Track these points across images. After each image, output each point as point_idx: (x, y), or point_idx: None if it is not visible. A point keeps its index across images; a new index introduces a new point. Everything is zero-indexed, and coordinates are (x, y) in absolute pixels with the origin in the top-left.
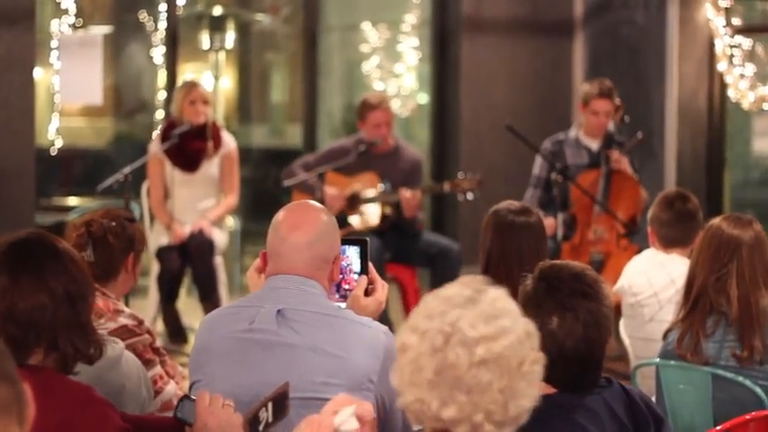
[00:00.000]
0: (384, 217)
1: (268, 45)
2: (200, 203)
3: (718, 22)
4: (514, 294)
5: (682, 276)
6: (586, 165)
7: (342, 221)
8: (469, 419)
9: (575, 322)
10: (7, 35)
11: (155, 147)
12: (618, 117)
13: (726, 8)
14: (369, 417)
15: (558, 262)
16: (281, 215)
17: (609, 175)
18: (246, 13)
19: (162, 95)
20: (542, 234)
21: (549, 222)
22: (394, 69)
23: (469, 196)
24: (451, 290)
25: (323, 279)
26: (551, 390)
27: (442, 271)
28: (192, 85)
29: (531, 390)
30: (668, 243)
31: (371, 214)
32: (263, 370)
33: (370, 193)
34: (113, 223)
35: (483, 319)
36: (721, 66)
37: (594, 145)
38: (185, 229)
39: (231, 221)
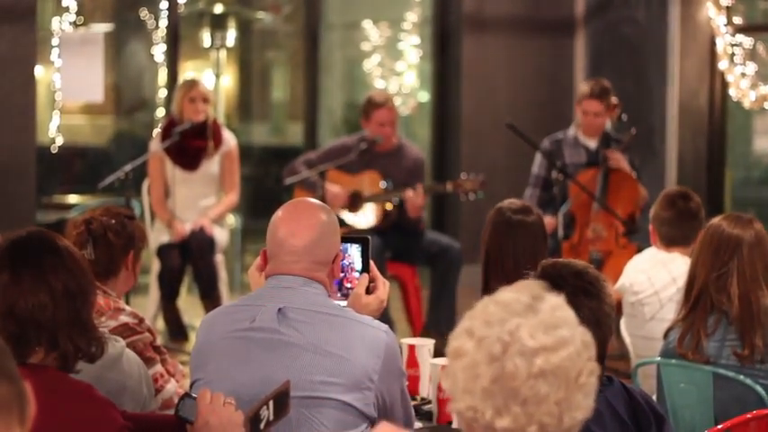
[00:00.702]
0: (386, 215)
1: (269, 43)
2: (200, 201)
3: (719, 20)
4: None
5: (683, 275)
6: (584, 164)
7: (341, 220)
8: (523, 430)
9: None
10: (8, 33)
11: (155, 145)
12: (615, 116)
13: (727, 7)
14: None
15: (559, 260)
16: (279, 216)
17: (607, 173)
18: (247, 12)
19: (163, 93)
20: (540, 233)
21: (549, 221)
22: (395, 67)
23: (471, 197)
24: (510, 295)
25: (324, 278)
26: None
27: (442, 269)
28: (191, 83)
29: (586, 401)
30: (670, 242)
31: (368, 215)
32: (263, 368)
33: (373, 191)
34: (113, 221)
35: (542, 329)
36: (722, 64)
37: (592, 144)
38: (186, 227)
39: (232, 219)
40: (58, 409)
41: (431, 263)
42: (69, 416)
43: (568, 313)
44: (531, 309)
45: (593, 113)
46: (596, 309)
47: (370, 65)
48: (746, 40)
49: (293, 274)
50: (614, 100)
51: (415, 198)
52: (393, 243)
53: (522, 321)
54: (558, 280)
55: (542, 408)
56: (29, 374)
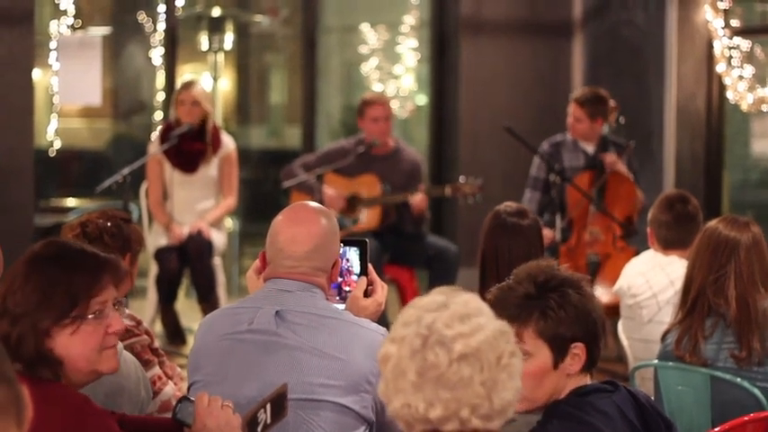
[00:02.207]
0: (384, 218)
1: (267, 46)
2: (198, 204)
3: (716, 23)
4: None
5: (681, 278)
6: (582, 167)
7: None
8: (456, 415)
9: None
10: (7, 36)
11: (154, 147)
12: (612, 119)
13: (724, 10)
14: None
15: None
16: (279, 222)
17: (604, 176)
18: (245, 15)
19: (160, 97)
20: (535, 237)
21: (547, 233)
22: (393, 71)
23: (470, 200)
24: (425, 299)
25: (322, 282)
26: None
27: (440, 272)
28: (183, 86)
29: (512, 382)
30: (668, 245)
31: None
32: (261, 371)
33: (371, 194)
34: (109, 224)
35: (458, 319)
36: (720, 67)
37: (590, 147)
38: (184, 230)
39: (230, 223)
40: (55, 420)
41: (429, 265)
42: (66, 428)
43: (482, 305)
44: (444, 305)
45: (573, 118)
46: (580, 302)
47: (368, 68)
48: (744, 43)
49: (292, 278)
50: (612, 103)
51: (422, 201)
52: (391, 246)
53: (438, 315)
54: (541, 276)
55: (469, 390)
56: (26, 383)
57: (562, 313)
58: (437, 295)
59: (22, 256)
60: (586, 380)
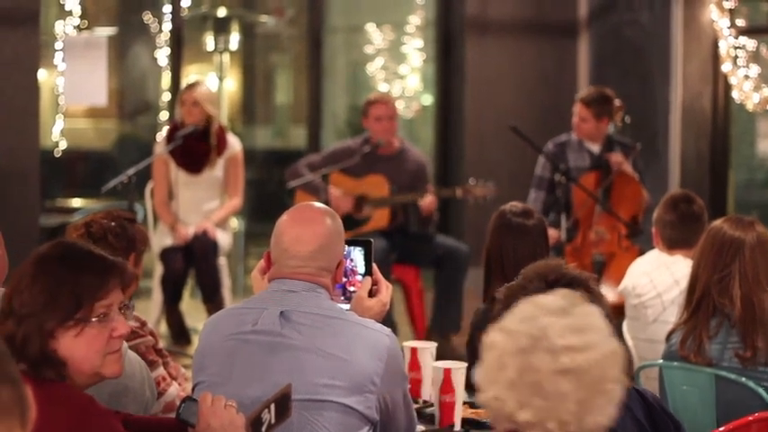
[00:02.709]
0: (392, 219)
1: (272, 47)
2: (204, 205)
3: (722, 23)
4: None
5: (685, 277)
6: (588, 167)
7: (351, 223)
8: (543, 425)
9: None
10: (12, 36)
11: (160, 148)
12: (618, 118)
13: (730, 9)
14: None
15: (551, 261)
16: (284, 222)
17: (610, 176)
18: (251, 15)
19: (166, 97)
20: (541, 237)
21: (552, 233)
22: (398, 71)
23: (481, 203)
24: (547, 299)
25: (327, 282)
26: None
27: (448, 272)
28: (187, 86)
29: (608, 408)
30: (672, 244)
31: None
32: (265, 371)
33: (377, 194)
34: (113, 224)
35: (572, 330)
36: (725, 67)
37: (596, 147)
38: (189, 231)
39: (235, 223)
40: (59, 421)
41: (437, 265)
42: (70, 428)
43: (601, 322)
44: (564, 311)
45: (579, 118)
46: (590, 301)
47: (374, 68)
48: (750, 43)
49: (297, 278)
50: (618, 103)
51: (431, 206)
52: (399, 246)
53: (554, 320)
54: (551, 275)
55: (563, 405)
56: (29, 382)
57: None
58: (561, 298)
59: (30, 257)
60: None
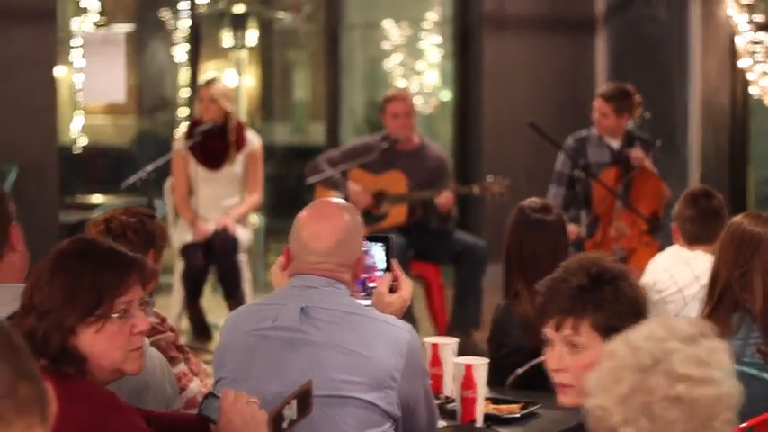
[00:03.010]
0: (410, 215)
1: (290, 43)
2: (224, 201)
3: (740, 18)
4: (531, 291)
5: (706, 273)
6: (608, 162)
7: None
8: None
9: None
10: (29, 33)
11: (179, 144)
12: (638, 114)
13: (748, 5)
14: None
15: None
16: (303, 217)
17: (630, 171)
18: (268, 11)
19: (184, 93)
20: (560, 233)
21: (572, 229)
22: (416, 67)
23: (497, 200)
24: (679, 322)
25: (347, 278)
26: None
27: (467, 268)
28: (205, 84)
29: None
30: (692, 240)
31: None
32: (286, 367)
33: (396, 190)
34: (133, 219)
35: (696, 362)
36: (744, 62)
37: (616, 143)
38: (209, 227)
39: (255, 219)
40: (80, 415)
41: (456, 261)
42: (91, 423)
43: (726, 359)
44: (693, 340)
45: (599, 113)
46: (633, 294)
47: (391, 64)
48: (767, 38)
49: (316, 274)
50: (638, 98)
51: (447, 202)
52: (417, 242)
53: (681, 347)
54: (593, 268)
55: None
56: (52, 379)
57: (617, 306)
58: (692, 326)
59: (49, 253)
60: None
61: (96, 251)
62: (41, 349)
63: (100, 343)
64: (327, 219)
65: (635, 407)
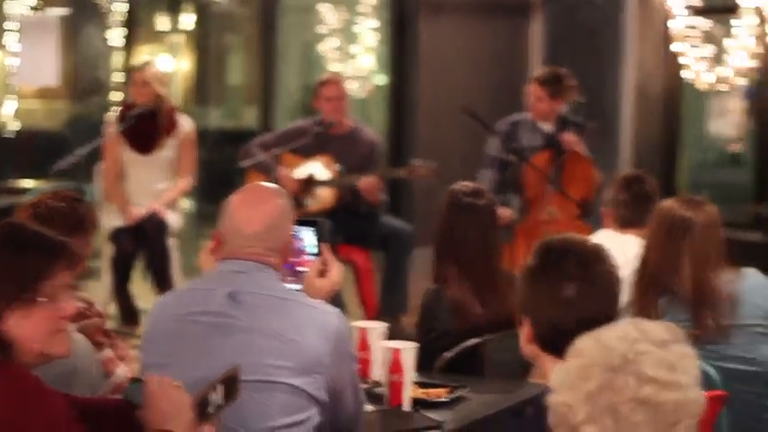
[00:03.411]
0: (339, 199)
1: (225, 26)
2: (155, 185)
3: (674, 2)
4: (462, 275)
5: (637, 257)
6: (541, 146)
7: (297, 203)
8: None
9: (591, 286)
10: None
11: (111, 128)
12: (572, 98)
13: None
14: None
15: (557, 236)
16: (234, 202)
17: (562, 155)
18: None
19: (118, 77)
20: (490, 217)
21: (504, 212)
22: (351, 50)
23: (424, 183)
24: (652, 326)
25: (276, 262)
26: None
27: (394, 253)
28: (138, 67)
29: None
30: (625, 224)
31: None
32: (214, 352)
33: (326, 175)
34: (62, 204)
35: (666, 366)
36: (677, 47)
37: (548, 127)
38: (140, 211)
39: (187, 203)
40: (3, 401)
41: (383, 246)
42: (9, 408)
43: (694, 368)
44: (664, 344)
45: (534, 97)
46: (606, 272)
47: (327, 48)
48: (703, 23)
49: (245, 258)
50: (572, 83)
51: (370, 186)
52: (346, 226)
53: (652, 350)
54: (565, 249)
55: None
56: None
57: None
58: (666, 331)
59: None
60: None
61: (21, 236)
62: None
63: (27, 327)
64: (258, 203)
65: (601, 406)
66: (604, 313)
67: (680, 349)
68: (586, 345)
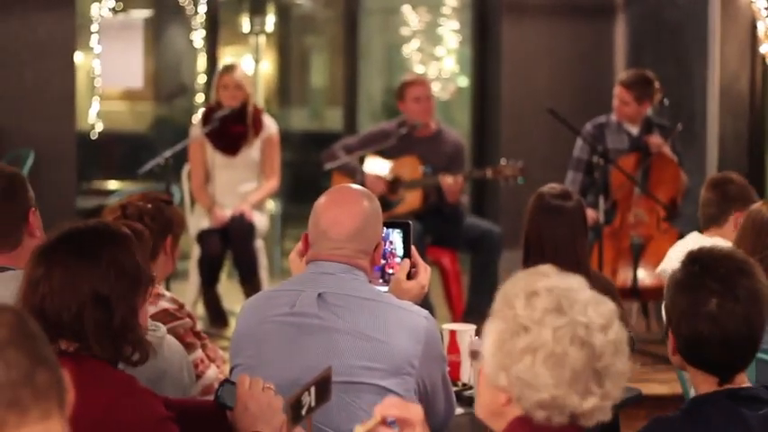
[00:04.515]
0: (425, 200)
1: (308, 28)
2: (240, 187)
3: (760, 3)
4: None
5: None
6: (627, 149)
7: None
8: (601, 409)
9: (735, 302)
10: (48, 19)
11: (196, 130)
12: (657, 100)
13: None
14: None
15: (706, 246)
16: (321, 204)
17: (649, 158)
18: None
19: (202, 79)
20: (579, 219)
21: (591, 215)
22: (434, 52)
23: (512, 182)
24: (553, 281)
25: (365, 265)
26: (711, 380)
27: (483, 254)
28: (225, 70)
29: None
30: (707, 223)
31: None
32: (303, 354)
33: (412, 176)
34: (150, 206)
35: (595, 305)
36: (764, 48)
37: (635, 129)
38: (226, 213)
39: (272, 205)
40: (99, 400)
41: (471, 248)
42: (110, 407)
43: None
44: (580, 288)
45: (620, 100)
46: (752, 287)
47: (410, 50)
48: None
49: (334, 260)
50: (657, 85)
51: (453, 185)
52: (433, 228)
53: (583, 299)
54: (711, 262)
55: (619, 383)
56: (71, 364)
57: None
58: (557, 277)
59: (87, 246)
60: None
61: (121, 234)
62: (122, 338)
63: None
64: (346, 205)
65: (587, 378)
66: (747, 329)
67: (576, 280)
68: (535, 336)
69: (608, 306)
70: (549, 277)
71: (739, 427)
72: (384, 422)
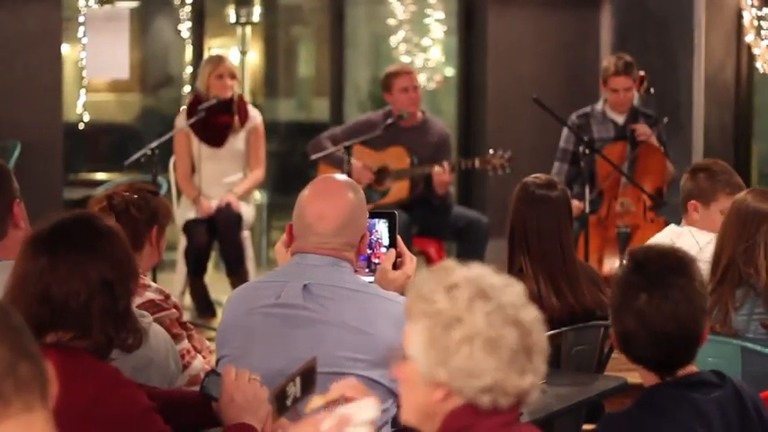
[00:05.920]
0: (412, 190)
1: (295, 19)
2: (226, 178)
3: None
4: (536, 267)
5: (708, 245)
6: (612, 138)
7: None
8: (534, 386)
9: (663, 299)
10: (35, 10)
11: (181, 121)
12: (643, 89)
13: None
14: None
15: (645, 244)
16: (306, 196)
17: (635, 147)
18: None
19: (188, 70)
20: (564, 208)
21: (576, 204)
22: (420, 42)
23: (500, 172)
24: (474, 271)
25: (351, 257)
26: (651, 376)
27: (470, 244)
28: (218, 60)
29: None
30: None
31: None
32: (289, 345)
33: (399, 166)
34: (136, 196)
35: (504, 285)
36: (749, 37)
37: (620, 119)
38: (212, 204)
39: (258, 195)
40: (84, 391)
41: (458, 237)
42: (95, 399)
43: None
44: (490, 274)
45: (623, 89)
46: (685, 286)
47: (396, 40)
48: None
49: (320, 253)
50: (641, 72)
51: (442, 174)
52: (420, 218)
53: (499, 283)
54: (644, 260)
55: (545, 358)
56: (56, 355)
57: None
58: (467, 267)
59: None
60: None
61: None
62: (123, 325)
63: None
64: (331, 198)
65: (522, 356)
66: (677, 327)
67: (483, 268)
68: (469, 327)
69: (518, 285)
70: (458, 269)
71: (692, 412)
72: (342, 400)
